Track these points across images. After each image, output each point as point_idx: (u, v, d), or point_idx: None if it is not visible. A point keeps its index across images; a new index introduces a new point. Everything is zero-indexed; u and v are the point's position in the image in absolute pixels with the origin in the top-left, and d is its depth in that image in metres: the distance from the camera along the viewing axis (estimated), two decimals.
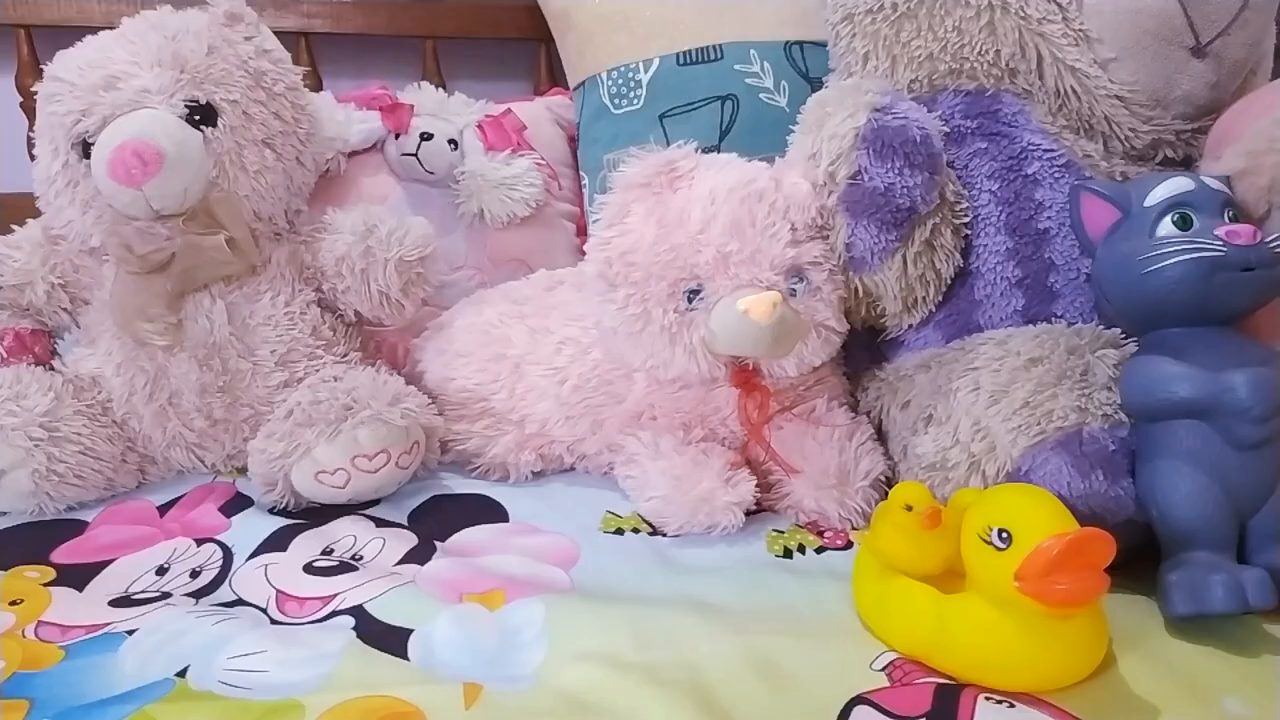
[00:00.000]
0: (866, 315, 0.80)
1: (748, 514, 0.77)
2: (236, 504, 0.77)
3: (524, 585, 0.65)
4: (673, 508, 0.74)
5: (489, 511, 0.77)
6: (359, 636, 0.60)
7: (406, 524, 0.75)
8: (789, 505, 0.76)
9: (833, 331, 0.76)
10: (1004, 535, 0.54)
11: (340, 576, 0.66)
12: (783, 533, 0.74)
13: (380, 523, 0.75)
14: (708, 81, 1.01)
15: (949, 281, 0.78)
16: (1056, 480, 0.65)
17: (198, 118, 0.77)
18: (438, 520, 0.76)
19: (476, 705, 0.54)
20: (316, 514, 0.75)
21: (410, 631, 0.60)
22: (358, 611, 0.62)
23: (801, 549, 0.72)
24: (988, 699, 0.54)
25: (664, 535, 0.74)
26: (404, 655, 0.58)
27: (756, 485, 0.77)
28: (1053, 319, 0.75)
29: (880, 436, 0.80)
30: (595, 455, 0.82)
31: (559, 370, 0.81)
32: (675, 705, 0.53)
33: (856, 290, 0.78)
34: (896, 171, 0.72)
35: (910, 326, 0.80)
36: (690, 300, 0.73)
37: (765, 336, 0.72)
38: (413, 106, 1.02)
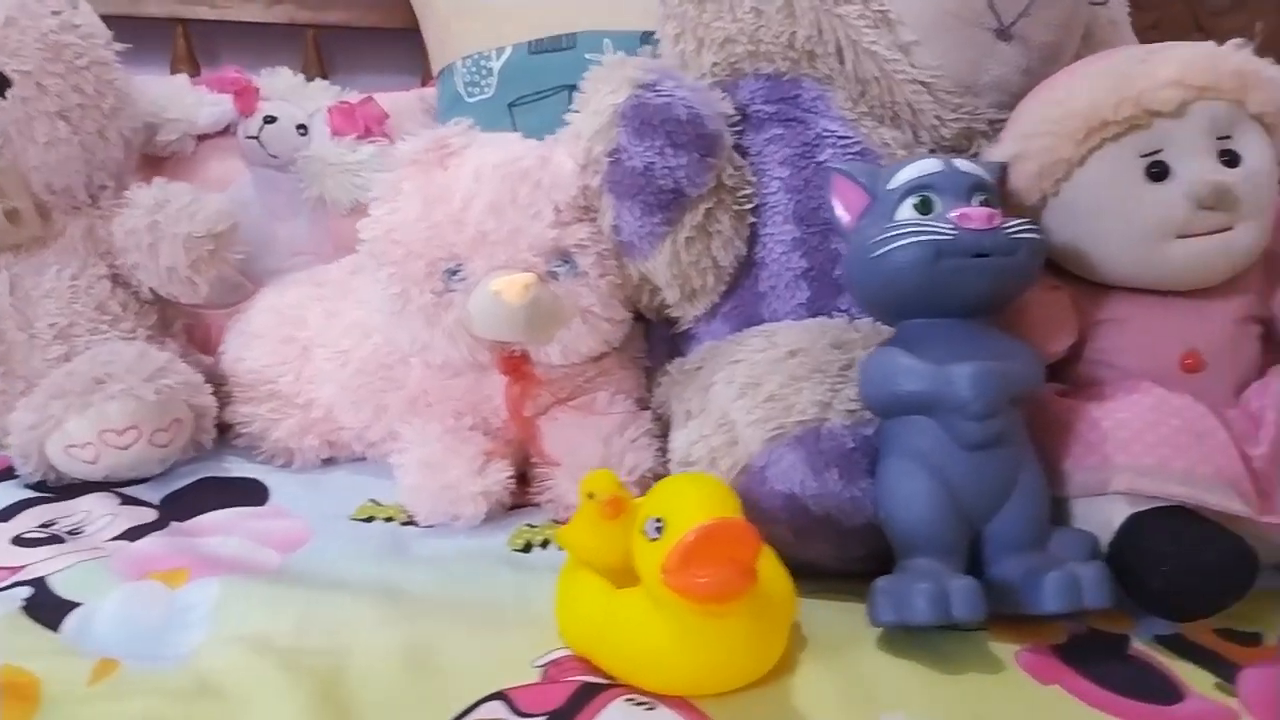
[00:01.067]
0: (649, 304, 0.77)
1: (515, 506, 0.74)
2: (3, 476, 0.76)
3: (215, 565, 0.63)
4: (420, 495, 0.71)
5: (250, 496, 0.75)
6: (25, 608, 0.58)
7: (158, 504, 0.73)
8: (550, 499, 0.73)
9: (602, 319, 0.73)
10: (658, 525, 0.51)
11: (42, 549, 0.64)
12: (535, 527, 0.71)
13: (127, 500, 0.73)
14: (558, 70, 0.99)
15: (731, 271, 0.74)
16: (790, 478, 0.61)
17: None
18: (191, 502, 0.74)
19: (103, 681, 0.52)
20: (72, 489, 0.74)
21: (76, 606, 0.58)
22: (39, 584, 0.60)
23: (545, 544, 0.69)
24: (629, 700, 0.50)
25: (417, 525, 0.71)
26: (56, 628, 0.56)
27: (527, 477, 0.74)
28: (836, 313, 0.71)
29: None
30: (380, 443, 0.79)
31: (344, 354, 0.79)
32: (292, 692, 0.50)
33: (634, 278, 0.74)
34: (657, 151, 0.68)
35: (698, 318, 0.76)
36: (449, 281, 0.71)
37: (518, 319, 0.69)
38: (259, 90, 1.01)
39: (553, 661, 0.54)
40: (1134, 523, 0.58)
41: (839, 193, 0.64)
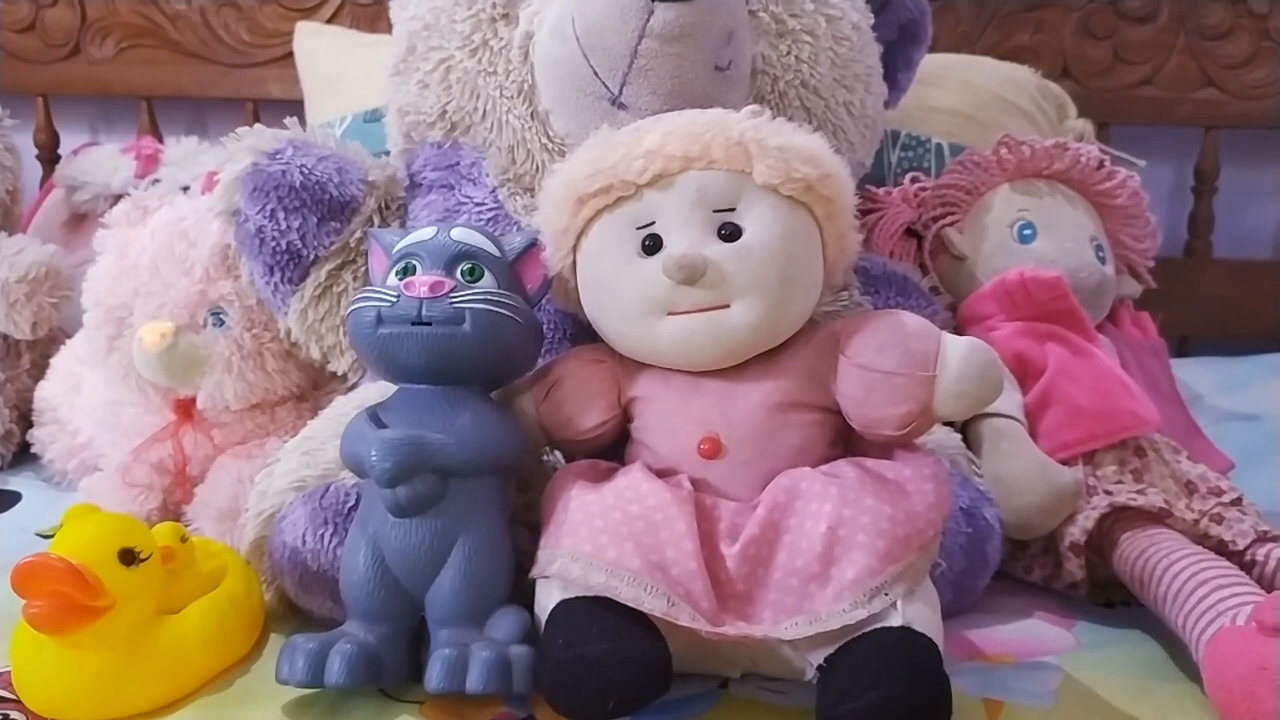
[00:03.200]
0: (308, 357, 0.81)
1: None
2: None
3: None
4: None
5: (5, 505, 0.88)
6: None
7: None
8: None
9: (248, 369, 0.78)
10: None
11: None
12: None
13: None
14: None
15: None
16: (295, 531, 0.64)
17: None
18: None
19: None
20: None
21: None
22: None
23: None
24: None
25: None
26: None
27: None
28: None
29: None
30: None
31: (94, 389, 0.90)
32: None
33: (284, 332, 0.79)
34: (268, 215, 0.73)
35: (354, 374, 0.80)
36: (119, 327, 0.79)
37: (155, 364, 0.76)
38: (158, 155, 1.16)
39: None
40: (558, 609, 0.55)
41: (373, 255, 0.66)
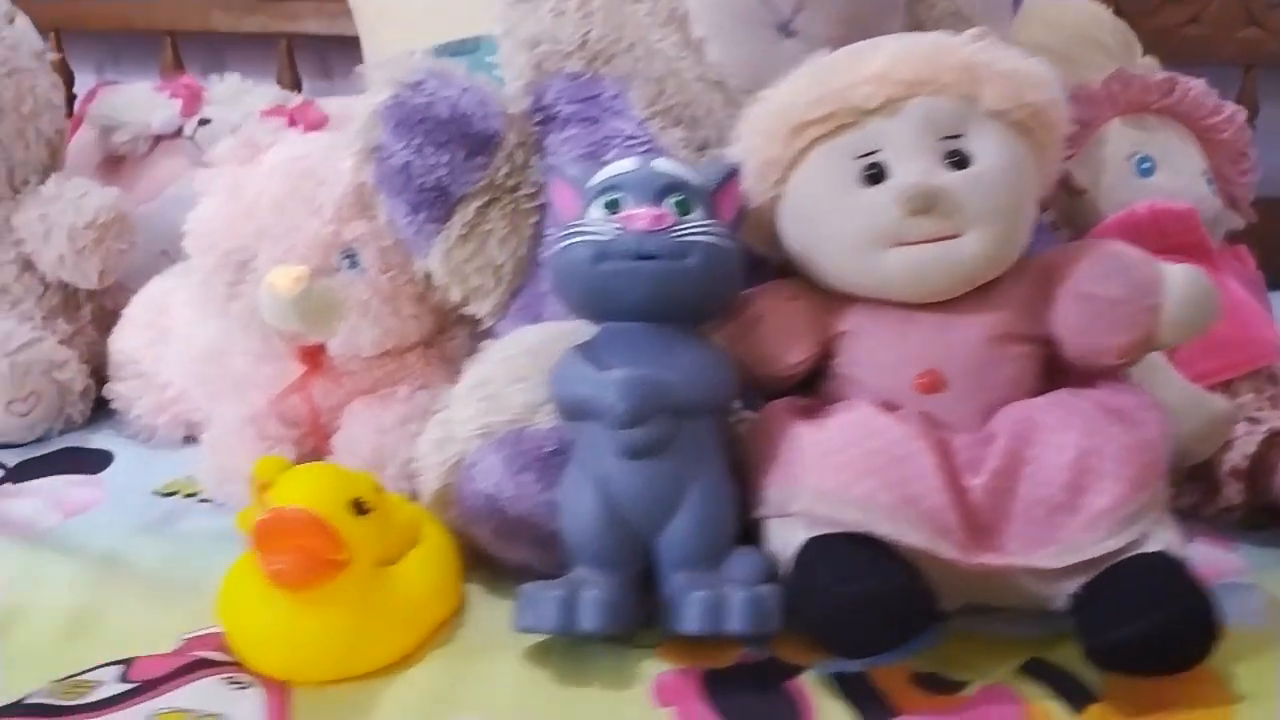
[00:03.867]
0: (445, 302, 0.77)
1: None
2: None
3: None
4: (204, 474, 0.75)
5: (92, 464, 0.82)
6: None
7: (11, 466, 0.81)
8: None
9: (384, 314, 0.74)
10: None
11: None
12: None
13: None
14: None
15: (512, 271, 0.74)
16: (488, 478, 0.61)
17: None
18: (39, 466, 0.81)
19: None
20: None
21: None
22: None
23: None
24: (225, 679, 0.52)
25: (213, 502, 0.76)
26: None
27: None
28: None
29: None
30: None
31: (188, 339, 0.85)
32: None
33: (421, 274, 0.76)
34: (415, 149, 0.69)
35: (493, 318, 0.77)
36: (241, 272, 0.75)
37: (290, 311, 0.71)
38: (201, 92, 1.09)
39: (197, 635, 0.57)
40: (808, 548, 0.54)
41: (556, 192, 0.63)
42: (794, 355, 0.62)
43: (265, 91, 1.14)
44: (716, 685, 0.53)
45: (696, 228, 0.56)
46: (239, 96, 1.11)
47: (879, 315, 0.61)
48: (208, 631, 0.57)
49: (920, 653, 0.54)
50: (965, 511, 0.55)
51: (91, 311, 0.97)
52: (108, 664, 0.54)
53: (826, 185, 0.58)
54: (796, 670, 0.55)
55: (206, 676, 0.52)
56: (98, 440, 0.87)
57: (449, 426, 0.65)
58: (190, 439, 0.87)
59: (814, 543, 0.54)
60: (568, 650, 0.55)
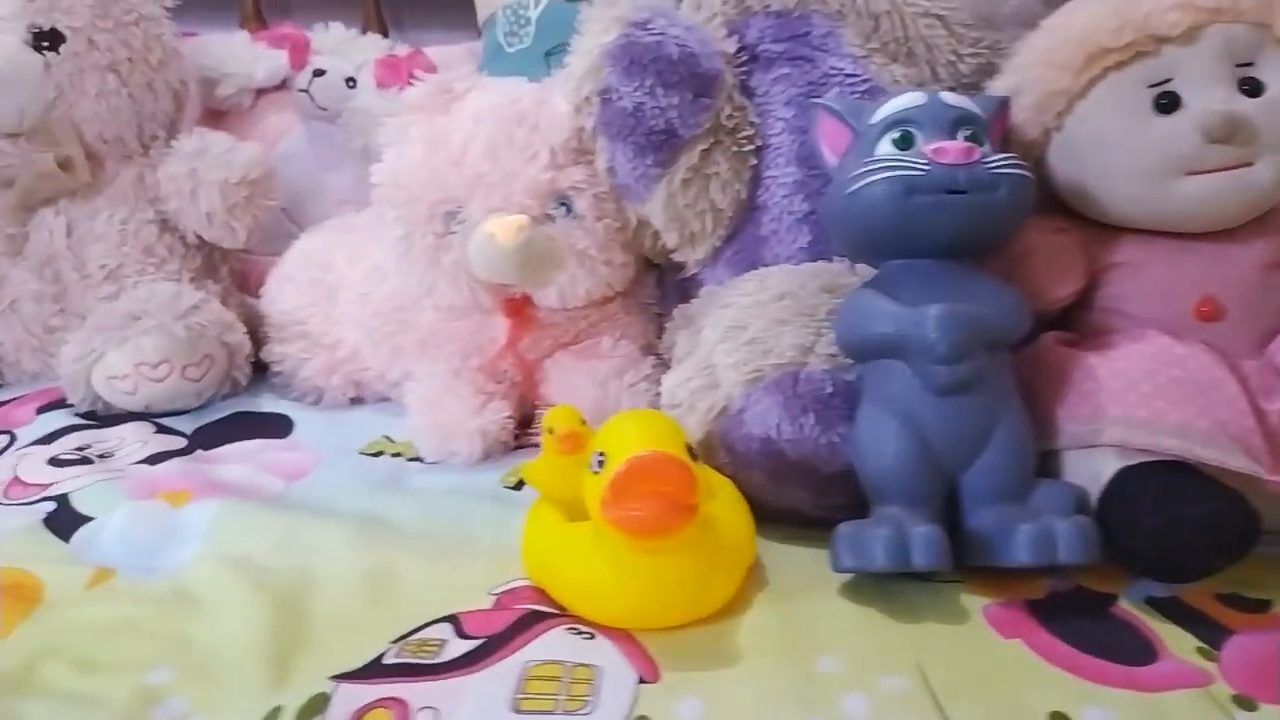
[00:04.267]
0: (652, 248, 0.76)
1: (519, 448, 0.75)
2: (56, 405, 0.82)
3: (218, 489, 0.66)
4: (420, 433, 0.73)
5: (274, 429, 0.79)
6: (45, 520, 0.63)
7: (189, 434, 0.78)
8: None
9: (599, 263, 0.73)
10: (601, 460, 0.51)
11: (71, 469, 0.70)
12: None
13: (162, 429, 0.78)
14: None
15: (731, 214, 0.73)
16: (765, 422, 0.60)
17: (45, 43, 0.83)
18: (219, 433, 0.78)
19: (99, 587, 0.56)
20: (116, 418, 0.80)
21: (89, 520, 0.63)
22: (61, 499, 0.66)
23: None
24: (570, 629, 0.51)
25: (423, 461, 0.74)
26: (67, 539, 0.61)
27: (530, 420, 0.76)
28: (838, 257, 0.69)
29: None
30: (399, 383, 0.82)
31: (363, 296, 0.82)
32: (256, 605, 0.53)
33: (634, 221, 0.74)
34: (647, 91, 0.68)
35: (701, 263, 0.75)
36: (449, 223, 0.72)
37: (510, 261, 0.70)
38: (309, 43, 1.05)
39: (508, 590, 0.56)
40: (1123, 477, 0.55)
41: (824, 130, 0.62)
42: (1062, 288, 0.62)
43: (370, 41, 1.10)
44: (1046, 615, 0.54)
45: (1003, 161, 0.56)
46: (346, 46, 1.08)
47: (1153, 246, 0.61)
48: (515, 585, 0.56)
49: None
50: (1267, 435, 0.56)
51: (229, 273, 0.93)
52: (437, 620, 0.52)
53: (1118, 115, 0.58)
54: (1111, 598, 0.56)
55: (551, 629, 0.51)
56: (266, 404, 0.84)
57: (711, 373, 0.64)
58: (357, 400, 0.85)
59: (1128, 472, 0.55)
60: (878, 589, 0.55)
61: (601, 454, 0.51)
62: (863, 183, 0.56)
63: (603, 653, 0.50)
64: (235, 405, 0.84)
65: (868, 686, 0.47)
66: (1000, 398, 0.56)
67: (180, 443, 0.76)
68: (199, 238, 0.89)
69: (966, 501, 0.57)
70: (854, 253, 0.63)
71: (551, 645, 0.50)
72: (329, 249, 0.87)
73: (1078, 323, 0.64)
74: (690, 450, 0.52)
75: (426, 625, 0.52)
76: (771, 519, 0.60)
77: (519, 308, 0.75)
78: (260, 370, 0.87)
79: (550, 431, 0.57)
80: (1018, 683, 0.48)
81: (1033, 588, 0.56)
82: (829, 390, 0.60)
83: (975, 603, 0.55)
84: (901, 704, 0.46)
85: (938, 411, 0.56)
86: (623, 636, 0.51)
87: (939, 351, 0.54)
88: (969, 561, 0.55)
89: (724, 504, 0.56)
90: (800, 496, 0.62)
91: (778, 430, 0.60)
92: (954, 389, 0.55)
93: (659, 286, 0.82)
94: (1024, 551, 0.53)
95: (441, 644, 0.50)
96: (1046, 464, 0.59)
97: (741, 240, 0.74)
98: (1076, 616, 0.54)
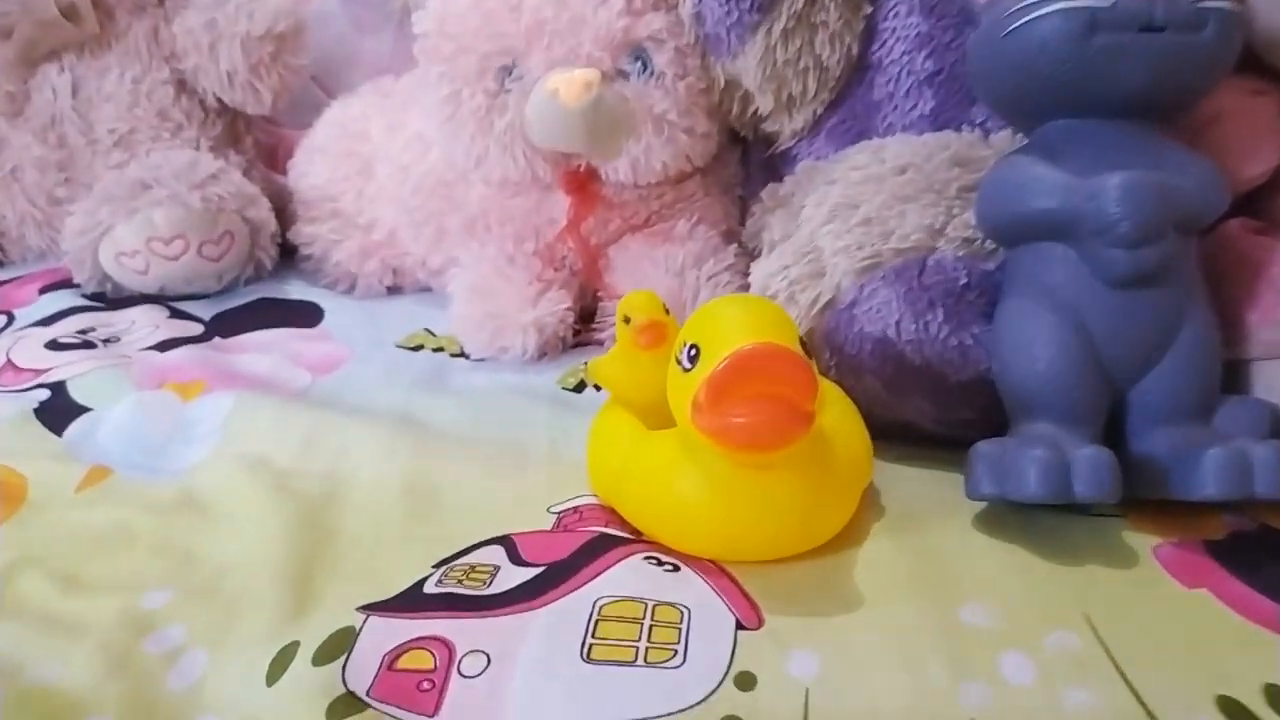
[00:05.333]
0: (739, 116, 0.65)
1: (578, 345, 0.66)
2: (61, 285, 0.74)
3: (236, 380, 0.58)
4: (468, 324, 0.64)
5: (302, 318, 0.70)
6: (37, 410, 0.55)
7: (207, 320, 0.69)
8: (612, 335, 0.64)
9: (679, 130, 0.62)
10: (693, 354, 0.41)
11: (71, 353, 0.61)
12: None
13: (176, 314, 0.69)
14: None
15: (838, 74, 0.61)
16: (882, 317, 0.50)
17: None
18: (241, 320, 0.69)
19: (92, 488, 0.48)
20: (127, 301, 0.71)
21: (86, 411, 0.55)
22: (57, 387, 0.57)
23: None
24: (648, 559, 0.42)
25: (467, 358, 0.64)
26: (60, 433, 0.53)
27: (593, 312, 0.66)
28: (967, 126, 0.58)
29: None
30: (443, 271, 0.72)
31: (404, 170, 0.72)
32: (275, 515, 0.45)
33: (720, 81, 0.63)
34: None
35: (798, 135, 0.64)
36: (504, 80, 0.61)
37: (577, 124, 0.59)
38: None
39: (572, 509, 0.46)
40: None
41: None
42: (1257, 164, 0.51)
43: None
44: (1232, 560, 0.43)
45: None
46: None
47: None
48: (580, 503, 0.47)
49: None
50: None
51: (253, 144, 0.83)
52: (487, 542, 0.43)
53: None
54: None
55: (626, 558, 0.42)
56: (294, 291, 0.75)
57: (815, 260, 0.53)
58: (395, 289, 0.76)
59: None
60: (1023, 522, 0.45)
61: (694, 346, 0.41)
62: (1029, 17, 0.44)
63: (691, 589, 0.40)
64: (260, 291, 0.74)
65: (1029, 644, 0.37)
66: (1187, 294, 0.45)
67: (196, 329, 0.68)
68: (220, 101, 0.79)
69: (1135, 421, 0.46)
70: (1005, 111, 0.51)
71: (628, 577, 0.41)
72: (365, 116, 0.76)
73: (1268, 208, 0.53)
74: (804, 344, 0.41)
75: (475, 547, 0.43)
76: (882, 434, 0.50)
77: (583, 182, 0.64)
78: (288, 255, 0.78)
79: (626, 320, 0.47)
80: (1213, 644, 0.38)
81: (1210, 525, 0.46)
82: (962, 280, 0.49)
83: (1143, 542, 0.45)
84: (1075, 667, 0.36)
85: (1110, 307, 0.45)
86: (714, 570, 0.42)
87: (1122, 231, 0.43)
88: (1137, 493, 0.44)
89: (837, 414, 0.46)
90: (920, 409, 0.52)
91: (897, 328, 0.50)
92: (1135, 280, 0.44)
93: (742, 165, 0.71)
94: (1212, 482, 0.42)
95: (494, 571, 0.41)
96: (1233, 377, 0.49)
97: (849, 106, 0.62)
98: (1270, 563, 0.44)
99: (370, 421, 0.54)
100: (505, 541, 0.43)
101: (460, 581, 0.40)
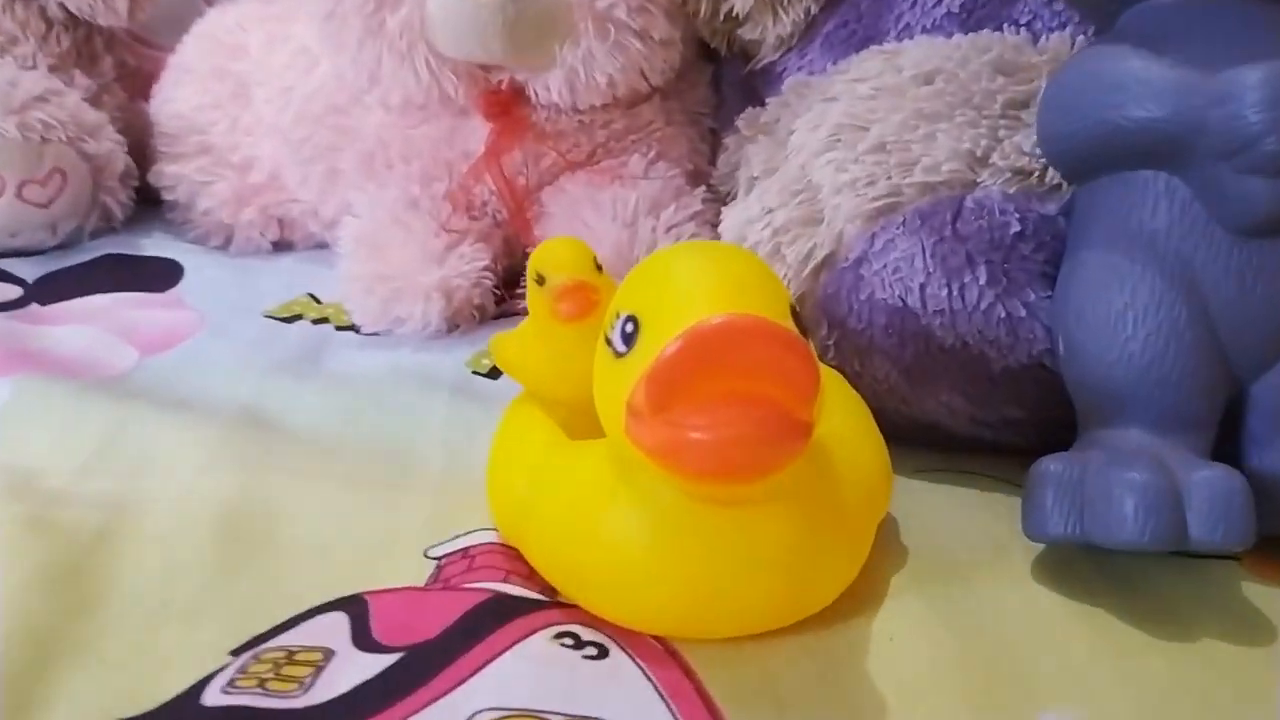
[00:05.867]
0: (711, 18, 0.50)
1: (501, 315, 0.52)
2: None
3: (26, 361, 0.43)
4: (351, 287, 0.49)
5: (152, 280, 0.55)
6: None
7: (31, 281, 0.54)
8: None
9: (631, 33, 0.47)
10: (629, 329, 0.27)
11: None
12: None
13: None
14: None
15: None
16: (902, 279, 0.36)
17: None
18: (72, 282, 0.54)
19: None
20: None
21: None
22: None
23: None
24: (560, 637, 0.28)
25: (357, 331, 0.50)
26: None
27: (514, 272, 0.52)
28: (1011, 26, 0.44)
29: None
30: (337, 223, 0.57)
31: (286, 91, 0.57)
32: (14, 568, 0.30)
33: None
34: None
35: (785, 43, 0.50)
36: None
37: (492, 22, 0.44)
38: None
39: (460, 552, 0.32)
40: None
41: None
42: None
43: None
44: None
45: None
46: None
47: None
48: (471, 541, 0.33)
49: None
50: None
51: (113, 66, 0.67)
52: (325, 607, 0.29)
53: None
54: None
55: (527, 636, 0.28)
56: (151, 246, 0.60)
57: (808, 201, 0.39)
58: (283, 245, 0.61)
59: None
60: (1099, 569, 0.32)
61: (631, 318, 0.26)
62: None
63: (621, 691, 0.26)
64: (108, 245, 0.59)
65: None
66: None
67: (14, 293, 0.53)
68: (66, 11, 0.63)
69: (1258, 425, 0.33)
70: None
71: (526, 673, 0.26)
72: (241, 28, 0.61)
73: None
74: (795, 316, 0.27)
75: (306, 616, 0.29)
76: (901, 439, 0.37)
77: (506, 104, 0.49)
78: (156, 204, 0.63)
79: (540, 280, 0.32)
80: None
81: None
82: (1014, 228, 0.36)
83: (1272, 599, 0.32)
84: None
85: (1237, 265, 0.31)
86: (660, 655, 0.27)
87: (1267, 149, 0.29)
88: (1261, 528, 0.31)
89: (840, 417, 0.32)
90: (951, 404, 0.38)
91: (922, 294, 0.36)
92: (1276, 224, 0.30)
93: (714, 87, 0.56)
94: None
95: (322, 661, 0.27)
96: None
97: (851, 6, 0.48)
98: None
99: (196, 420, 0.39)
100: (353, 606, 0.29)
101: (262, 684, 0.26)
